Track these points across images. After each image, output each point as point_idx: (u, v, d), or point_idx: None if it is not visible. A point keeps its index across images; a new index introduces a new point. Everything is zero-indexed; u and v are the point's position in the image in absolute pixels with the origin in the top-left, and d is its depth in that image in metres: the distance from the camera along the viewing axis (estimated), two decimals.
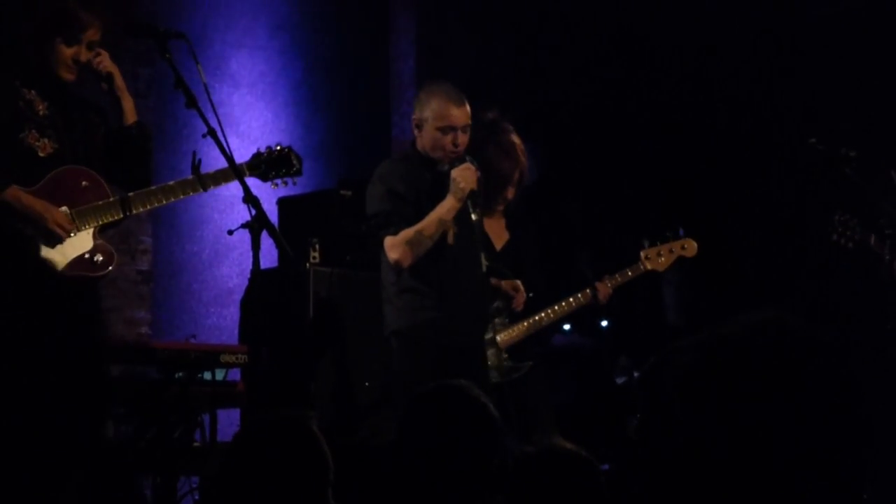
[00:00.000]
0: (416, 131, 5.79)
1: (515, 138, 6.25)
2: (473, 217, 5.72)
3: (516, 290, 6.07)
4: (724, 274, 8.51)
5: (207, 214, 7.89)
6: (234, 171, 5.03)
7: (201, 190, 5.25)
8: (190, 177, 5.21)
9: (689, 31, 8.73)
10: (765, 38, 8.55)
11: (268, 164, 5.32)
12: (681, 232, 6.49)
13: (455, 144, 5.69)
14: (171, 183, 5.27)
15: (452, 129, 5.69)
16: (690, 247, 6.48)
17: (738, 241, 8.64)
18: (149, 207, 5.24)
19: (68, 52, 5.10)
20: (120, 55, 7.55)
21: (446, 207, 5.63)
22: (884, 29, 8.02)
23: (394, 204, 5.67)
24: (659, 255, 6.42)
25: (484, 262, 5.72)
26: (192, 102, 4.97)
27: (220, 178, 5.25)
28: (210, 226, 7.92)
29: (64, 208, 5.05)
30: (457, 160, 5.68)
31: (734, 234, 8.61)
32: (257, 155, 5.35)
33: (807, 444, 1.77)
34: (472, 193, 5.65)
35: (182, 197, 5.28)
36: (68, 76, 5.14)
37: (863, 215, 6.35)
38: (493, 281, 6.01)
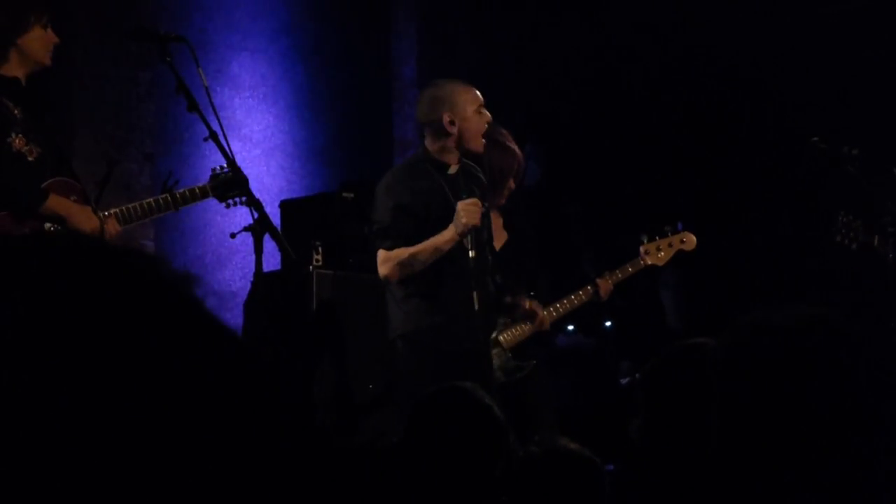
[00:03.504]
0: (451, 129, 5.73)
1: (503, 129, 6.27)
2: (471, 254, 5.68)
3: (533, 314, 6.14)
4: (722, 275, 8.50)
5: (210, 218, 7.89)
6: (200, 191, 5.33)
7: (172, 208, 5.30)
8: (163, 195, 5.28)
9: (689, 31, 8.72)
10: (765, 36, 8.55)
11: (224, 185, 5.35)
12: (679, 226, 6.48)
13: (488, 120, 5.78)
14: (146, 200, 5.31)
15: (483, 105, 5.79)
16: (689, 240, 6.47)
17: (738, 242, 8.64)
18: (125, 226, 5.24)
19: (47, 36, 5.11)
20: (121, 59, 7.60)
21: (445, 238, 5.61)
22: (886, 26, 8.01)
23: (395, 218, 5.67)
24: (658, 249, 6.42)
25: (476, 302, 5.66)
26: (193, 106, 4.98)
27: (188, 196, 5.33)
28: (213, 229, 7.92)
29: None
30: (464, 193, 5.65)
31: (734, 234, 8.60)
32: (214, 176, 5.38)
33: (845, 440, 1.78)
34: (473, 230, 5.62)
35: (155, 214, 5.32)
36: (49, 61, 5.15)
37: (866, 215, 6.35)
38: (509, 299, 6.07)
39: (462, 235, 5.58)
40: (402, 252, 5.61)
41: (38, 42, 5.10)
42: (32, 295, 0.89)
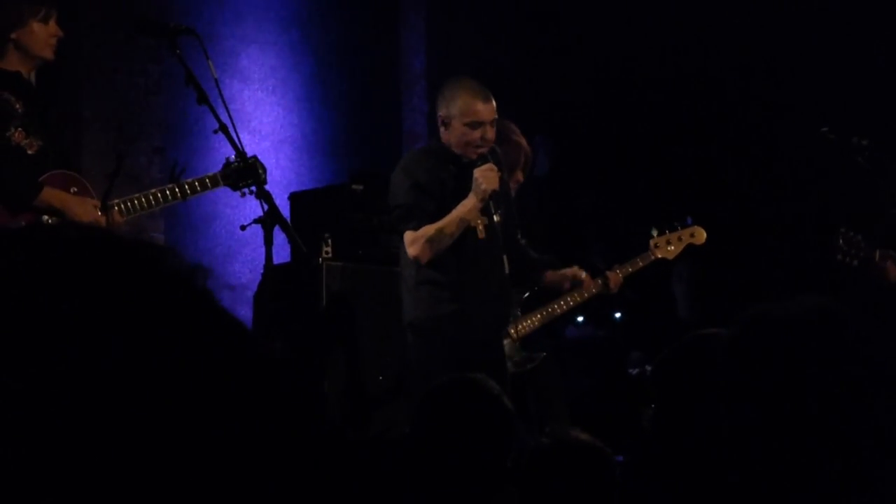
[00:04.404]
0: (442, 128, 5.75)
1: (509, 123, 6.26)
2: (496, 218, 5.68)
3: (576, 276, 6.17)
4: (734, 266, 8.49)
5: (220, 210, 7.90)
6: (211, 180, 5.25)
7: (180, 198, 5.28)
8: (170, 185, 5.26)
9: (698, 22, 8.71)
10: (776, 26, 8.53)
11: (238, 174, 5.33)
12: (689, 220, 6.49)
13: (484, 139, 5.67)
14: (153, 190, 5.29)
15: (480, 124, 5.65)
16: (699, 234, 6.47)
17: (750, 233, 8.63)
18: (129, 216, 5.22)
19: (46, 30, 5.09)
20: (130, 52, 7.60)
21: (468, 207, 5.60)
22: (893, 16, 8.00)
23: (416, 198, 5.66)
24: (668, 243, 6.42)
25: (507, 264, 5.67)
26: (203, 98, 4.98)
27: (197, 186, 5.30)
28: (222, 221, 7.93)
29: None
30: (480, 159, 5.65)
31: (745, 225, 8.59)
32: (227, 164, 5.36)
33: (844, 429, 1.78)
34: (493, 194, 5.61)
35: (162, 204, 5.30)
36: (50, 54, 5.14)
37: (867, 228, 6.32)
38: (551, 275, 6.08)
39: (483, 201, 5.58)
40: (429, 229, 5.60)
41: (35, 36, 5.08)
42: (33, 285, 0.88)
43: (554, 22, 9.09)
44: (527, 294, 6.24)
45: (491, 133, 5.68)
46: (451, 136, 5.69)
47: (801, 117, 7.93)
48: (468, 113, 5.65)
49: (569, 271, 6.19)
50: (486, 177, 5.56)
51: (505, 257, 5.68)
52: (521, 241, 6.05)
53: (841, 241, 6.28)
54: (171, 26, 5.19)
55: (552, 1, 9.10)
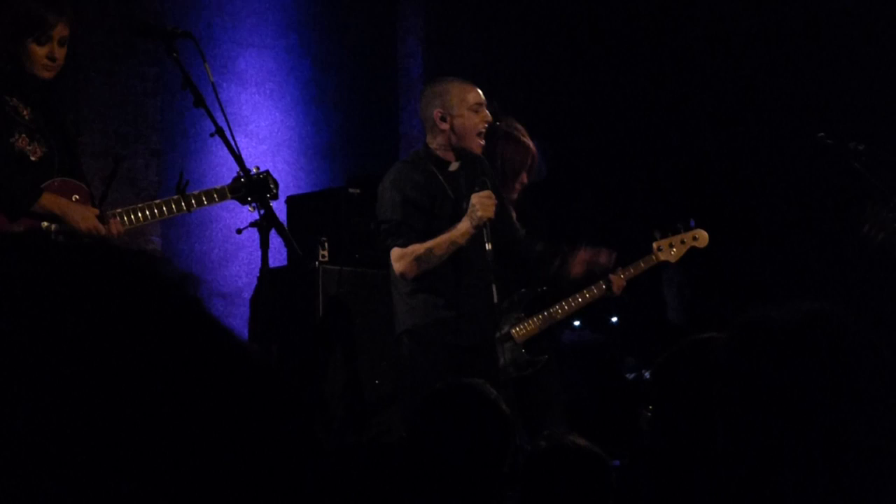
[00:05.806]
0: (441, 124, 5.74)
1: (517, 124, 6.28)
2: (488, 247, 5.64)
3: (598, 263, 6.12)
4: (726, 271, 8.49)
5: (216, 213, 7.89)
6: (218, 194, 5.22)
7: (185, 210, 5.25)
8: (175, 196, 5.23)
9: (697, 26, 8.72)
10: (774, 30, 8.54)
11: (247, 188, 5.31)
12: (692, 223, 6.48)
13: (486, 120, 5.74)
14: (157, 202, 5.26)
15: (480, 105, 5.76)
16: (702, 238, 6.47)
17: (744, 238, 8.63)
18: (129, 227, 5.19)
19: (41, 51, 5.07)
20: (127, 54, 7.60)
21: (460, 231, 5.60)
22: (893, 21, 8.00)
23: (405, 213, 5.65)
24: (671, 246, 6.41)
25: (495, 294, 5.62)
26: (199, 102, 4.98)
27: (203, 199, 5.27)
28: (219, 225, 7.92)
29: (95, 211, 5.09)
30: (479, 185, 5.65)
31: (738, 229, 8.59)
32: (237, 178, 5.33)
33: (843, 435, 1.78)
34: (488, 222, 5.60)
35: (166, 216, 5.27)
36: (46, 74, 5.11)
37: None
38: (576, 267, 6.01)
39: (477, 228, 5.57)
40: (418, 248, 5.59)
41: (30, 57, 5.07)
42: (24, 294, 0.88)
43: (552, 25, 9.09)
44: (531, 297, 6.23)
45: (488, 115, 5.78)
46: (455, 127, 5.72)
47: (798, 122, 7.93)
48: (467, 98, 5.72)
49: (590, 257, 6.13)
50: (483, 204, 5.55)
51: (494, 287, 5.61)
52: (522, 233, 6.04)
53: (868, 213, 6.26)
54: (168, 29, 5.19)
55: (550, 4, 9.10)
